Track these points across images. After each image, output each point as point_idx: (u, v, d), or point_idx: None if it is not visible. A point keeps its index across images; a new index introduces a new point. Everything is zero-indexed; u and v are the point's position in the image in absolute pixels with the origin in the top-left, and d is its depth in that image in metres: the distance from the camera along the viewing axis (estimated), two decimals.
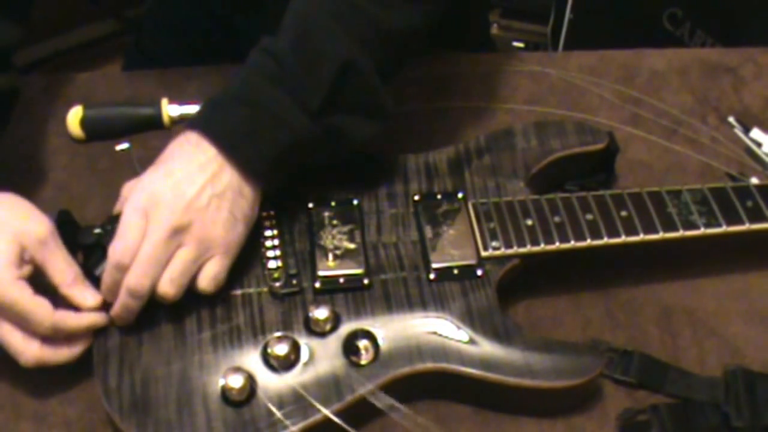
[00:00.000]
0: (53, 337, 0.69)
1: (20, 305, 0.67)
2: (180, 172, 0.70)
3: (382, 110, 0.75)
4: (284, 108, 0.71)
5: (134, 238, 0.68)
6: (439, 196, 0.79)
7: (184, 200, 0.69)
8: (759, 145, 0.91)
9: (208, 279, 0.70)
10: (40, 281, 0.69)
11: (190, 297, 0.71)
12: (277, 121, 0.71)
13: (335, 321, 0.71)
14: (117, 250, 0.68)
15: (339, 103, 0.72)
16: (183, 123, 0.79)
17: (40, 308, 0.67)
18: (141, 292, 0.68)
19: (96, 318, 0.70)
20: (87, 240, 0.73)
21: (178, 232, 0.68)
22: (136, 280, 0.68)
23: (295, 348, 0.69)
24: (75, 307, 0.70)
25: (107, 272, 0.69)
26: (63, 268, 0.69)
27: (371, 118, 0.75)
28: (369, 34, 0.73)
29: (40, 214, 0.71)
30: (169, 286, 0.68)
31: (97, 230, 0.73)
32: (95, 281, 0.71)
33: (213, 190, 0.70)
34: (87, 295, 0.70)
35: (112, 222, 0.74)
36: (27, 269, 0.69)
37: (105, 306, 0.71)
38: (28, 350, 0.68)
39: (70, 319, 0.69)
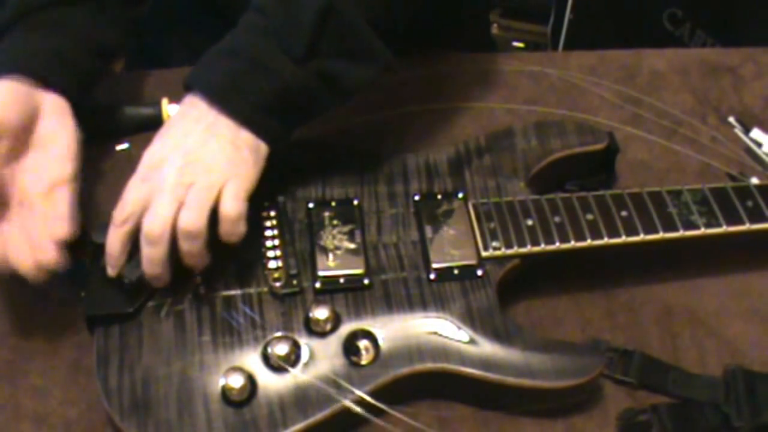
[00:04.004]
0: None
1: None
2: (175, 130, 0.71)
3: (373, 53, 0.74)
4: (269, 55, 0.71)
5: (134, 199, 0.68)
6: (439, 196, 0.79)
7: (183, 149, 0.69)
8: (759, 145, 0.91)
9: (229, 200, 0.69)
10: None
11: (191, 296, 0.71)
12: (262, 68, 0.71)
13: (335, 321, 0.71)
14: (116, 211, 0.69)
15: (324, 48, 0.72)
16: None
17: None
18: (153, 236, 0.67)
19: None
20: (102, 238, 0.72)
21: (185, 174, 0.68)
22: (148, 224, 0.68)
23: (296, 348, 0.69)
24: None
25: (109, 233, 0.69)
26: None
27: (363, 63, 0.74)
28: None
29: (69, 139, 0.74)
30: (187, 215, 0.68)
31: None
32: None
33: (210, 134, 0.70)
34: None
35: None
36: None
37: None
38: None
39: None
